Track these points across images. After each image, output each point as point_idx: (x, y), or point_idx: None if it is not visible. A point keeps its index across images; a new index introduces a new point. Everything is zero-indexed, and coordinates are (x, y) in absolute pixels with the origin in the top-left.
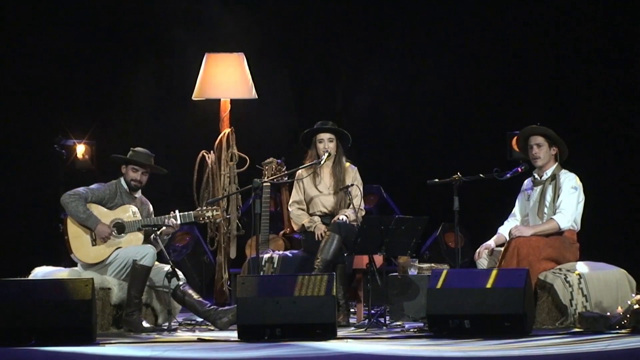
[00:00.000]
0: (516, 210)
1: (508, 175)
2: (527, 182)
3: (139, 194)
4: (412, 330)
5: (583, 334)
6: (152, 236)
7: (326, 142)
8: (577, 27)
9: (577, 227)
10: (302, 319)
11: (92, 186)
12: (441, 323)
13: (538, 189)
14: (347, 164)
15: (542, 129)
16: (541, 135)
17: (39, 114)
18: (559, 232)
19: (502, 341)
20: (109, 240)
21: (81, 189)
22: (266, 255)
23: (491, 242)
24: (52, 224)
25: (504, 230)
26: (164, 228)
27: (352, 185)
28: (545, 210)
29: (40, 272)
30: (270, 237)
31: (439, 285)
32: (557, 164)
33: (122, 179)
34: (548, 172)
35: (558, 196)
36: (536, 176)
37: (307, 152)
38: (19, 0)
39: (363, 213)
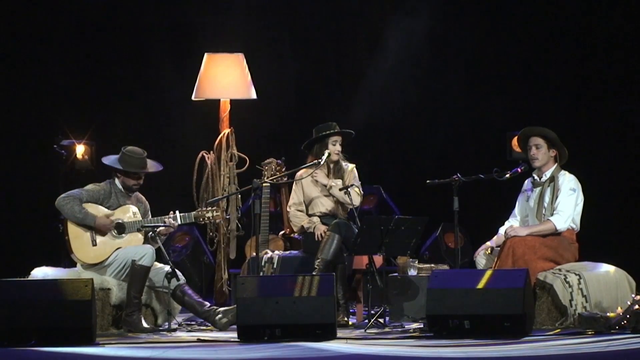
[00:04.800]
0: (516, 210)
1: (508, 175)
2: (527, 183)
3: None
4: (412, 330)
5: (583, 334)
6: (149, 234)
7: (338, 145)
8: (577, 26)
9: (577, 227)
10: (302, 320)
11: (87, 187)
12: (441, 323)
13: (537, 190)
14: (344, 163)
15: (541, 130)
16: (541, 136)
17: (39, 114)
18: (556, 233)
19: (502, 341)
20: (110, 237)
21: (75, 191)
22: (266, 256)
23: (491, 243)
24: (52, 224)
25: (504, 230)
26: (161, 228)
27: (352, 185)
28: (544, 212)
29: (40, 273)
30: (270, 237)
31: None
32: (556, 165)
33: (116, 180)
34: (547, 174)
35: (556, 198)
36: (535, 177)
37: (312, 152)
38: (19, 1)
39: (358, 191)
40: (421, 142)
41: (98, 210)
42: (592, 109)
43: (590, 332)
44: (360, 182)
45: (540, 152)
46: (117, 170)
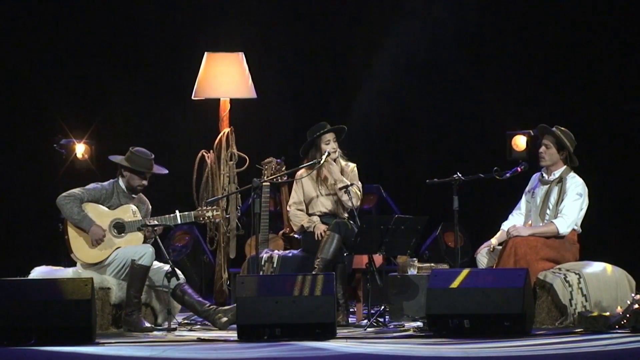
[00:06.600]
0: (522, 204)
1: (508, 174)
2: (534, 178)
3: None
4: (412, 330)
5: (582, 333)
6: (146, 230)
7: (332, 143)
8: (578, 26)
9: (579, 229)
10: (301, 319)
11: (89, 186)
12: (441, 323)
13: (544, 188)
14: (343, 162)
15: (554, 133)
16: (552, 137)
17: (39, 114)
18: (559, 236)
19: (502, 341)
20: (105, 241)
21: (77, 190)
22: (266, 255)
23: (493, 240)
24: (52, 224)
25: (506, 226)
26: (156, 228)
27: (351, 184)
28: (548, 212)
29: (40, 272)
30: (269, 236)
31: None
32: (566, 166)
33: (119, 180)
34: (556, 174)
35: (562, 200)
36: (544, 175)
37: (309, 157)
38: (19, 1)
39: (358, 191)
40: (421, 141)
41: (101, 212)
42: (592, 108)
43: (585, 331)
44: (360, 183)
45: (548, 153)
46: (125, 168)
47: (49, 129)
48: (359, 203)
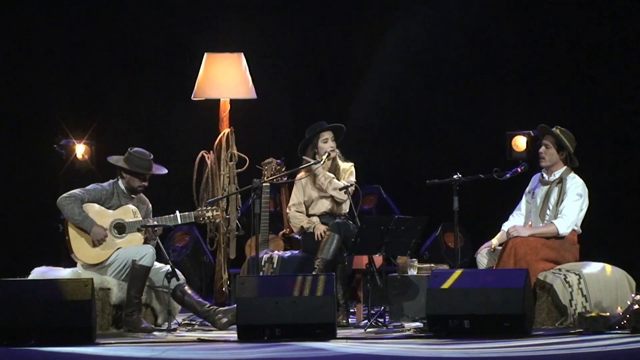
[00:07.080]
0: (522, 204)
1: (507, 175)
2: (534, 179)
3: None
4: (411, 330)
5: (583, 334)
6: (145, 231)
7: (330, 141)
8: (578, 26)
9: (579, 229)
10: (301, 319)
11: (89, 187)
12: (441, 323)
13: (544, 189)
14: (341, 162)
15: (554, 133)
16: (553, 137)
17: (39, 114)
18: (559, 237)
19: (502, 341)
20: (106, 241)
21: (77, 191)
22: (266, 256)
23: (494, 241)
24: (52, 224)
25: (507, 227)
26: (156, 229)
27: (351, 185)
28: (548, 212)
29: (40, 272)
30: (269, 237)
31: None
32: (566, 167)
33: (119, 180)
34: (556, 174)
35: (562, 201)
36: (544, 175)
37: (307, 155)
38: (19, 0)
39: (352, 188)
40: (421, 141)
41: (101, 212)
42: (592, 108)
43: (585, 332)
44: (355, 181)
45: (548, 153)
46: (124, 170)
47: (49, 129)
48: (347, 199)
